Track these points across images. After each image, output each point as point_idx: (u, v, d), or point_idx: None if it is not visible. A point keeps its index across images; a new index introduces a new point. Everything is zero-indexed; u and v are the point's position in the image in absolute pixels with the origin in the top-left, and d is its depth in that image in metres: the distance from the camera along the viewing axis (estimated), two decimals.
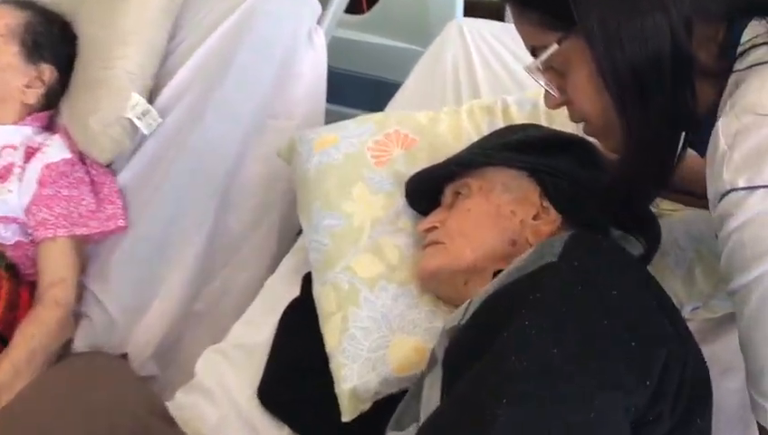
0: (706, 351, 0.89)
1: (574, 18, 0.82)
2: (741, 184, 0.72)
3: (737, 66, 0.79)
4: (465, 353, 0.84)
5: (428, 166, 1.22)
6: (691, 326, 1.05)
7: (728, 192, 0.73)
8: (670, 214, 1.17)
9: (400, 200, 1.26)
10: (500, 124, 1.35)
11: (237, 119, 1.48)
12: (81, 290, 1.41)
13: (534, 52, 0.92)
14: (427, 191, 1.22)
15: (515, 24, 0.92)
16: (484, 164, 1.14)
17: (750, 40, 0.79)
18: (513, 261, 0.91)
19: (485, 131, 1.33)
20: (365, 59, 2.13)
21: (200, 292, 1.48)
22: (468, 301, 0.92)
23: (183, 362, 1.42)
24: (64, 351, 1.37)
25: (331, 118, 1.64)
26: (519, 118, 1.35)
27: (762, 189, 0.71)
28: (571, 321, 0.77)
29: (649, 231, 1.04)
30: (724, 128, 0.76)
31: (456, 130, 1.35)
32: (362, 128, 1.33)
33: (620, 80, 0.82)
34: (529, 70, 0.92)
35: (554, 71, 0.91)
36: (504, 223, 1.10)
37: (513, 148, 1.15)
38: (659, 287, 0.89)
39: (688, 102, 0.83)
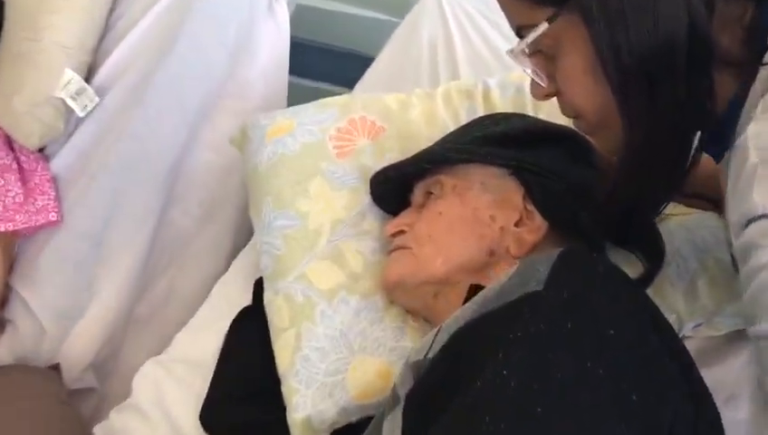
0: (708, 375, 0.76)
1: None
2: None
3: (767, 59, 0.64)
4: (429, 400, 0.70)
5: (396, 161, 1.07)
6: (691, 345, 0.94)
7: (759, 217, 0.60)
8: (668, 217, 1.04)
9: (365, 198, 1.11)
10: (480, 111, 1.21)
11: (184, 100, 1.33)
12: (5, 293, 1.25)
13: (520, 32, 0.77)
14: (394, 189, 1.08)
15: (498, 1, 0.77)
16: (459, 160, 1.00)
17: None
18: (491, 284, 0.77)
19: (464, 119, 1.19)
20: (335, 30, 1.98)
21: (143, 295, 1.34)
22: (437, 328, 0.78)
23: (124, 373, 1.27)
24: None
25: (296, 92, 1.54)
26: (502, 104, 1.21)
27: None
28: (558, 369, 0.63)
29: (651, 248, 0.90)
30: (755, 136, 0.62)
31: (430, 116, 1.20)
32: (324, 113, 1.19)
33: (623, 67, 0.69)
34: (513, 54, 0.77)
35: (543, 55, 0.77)
36: (482, 229, 0.96)
37: (494, 141, 1.00)
38: (667, 325, 0.75)
39: (705, 96, 0.69)
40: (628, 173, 0.77)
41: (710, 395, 0.73)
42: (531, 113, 1.16)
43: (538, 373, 0.62)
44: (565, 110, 0.82)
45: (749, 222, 0.61)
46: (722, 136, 0.73)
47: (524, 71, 0.81)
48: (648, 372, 0.65)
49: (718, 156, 0.78)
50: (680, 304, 1.00)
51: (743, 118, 0.68)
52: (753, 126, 0.63)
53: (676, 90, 0.69)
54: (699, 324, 1.01)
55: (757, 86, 0.67)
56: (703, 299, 1.00)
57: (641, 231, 0.87)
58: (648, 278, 0.91)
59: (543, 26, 0.73)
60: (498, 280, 0.75)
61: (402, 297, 1.02)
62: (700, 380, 0.73)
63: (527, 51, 0.77)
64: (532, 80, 0.80)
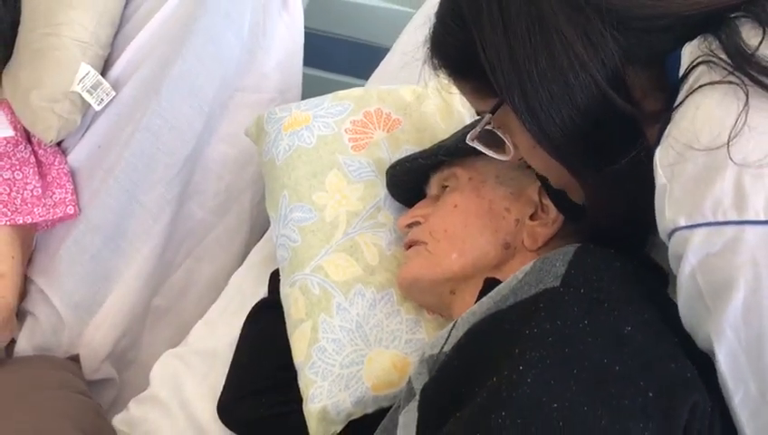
0: None
1: None
2: (682, 222, 0.62)
3: (680, 98, 0.67)
4: (444, 396, 0.71)
5: (411, 154, 1.07)
6: None
7: (673, 231, 0.63)
8: None
9: (381, 191, 1.11)
10: None
11: (199, 93, 1.32)
12: (25, 285, 1.27)
13: (479, 115, 0.84)
14: (410, 181, 1.07)
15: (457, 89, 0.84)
16: (475, 153, 0.99)
17: (688, 66, 0.67)
18: (507, 279, 0.77)
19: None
20: (349, 20, 1.95)
21: (160, 286, 1.35)
22: (452, 323, 0.78)
23: (143, 364, 1.30)
24: (7, 353, 1.24)
25: (310, 84, 1.53)
26: None
27: (703, 228, 0.61)
28: (575, 365, 0.63)
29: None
30: (661, 158, 0.65)
31: (447, 109, 1.19)
32: (340, 106, 1.18)
33: (560, 149, 0.72)
34: (470, 139, 0.85)
35: (505, 129, 0.81)
36: (497, 222, 0.95)
37: None
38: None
39: (644, 153, 0.70)
40: (598, 226, 0.81)
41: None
42: None
43: (554, 370, 0.62)
44: (536, 171, 0.85)
45: (669, 236, 0.65)
46: None
47: (485, 151, 0.85)
48: (664, 368, 0.65)
49: None
50: None
51: None
52: (659, 151, 0.66)
53: (616, 156, 0.71)
54: None
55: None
56: None
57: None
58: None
59: (488, 116, 0.80)
60: (514, 276, 0.76)
61: (419, 296, 1.01)
62: (715, 374, 0.72)
63: (489, 129, 0.82)
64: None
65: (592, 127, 0.71)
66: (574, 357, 0.63)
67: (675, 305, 0.77)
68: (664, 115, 0.67)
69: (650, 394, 0.62)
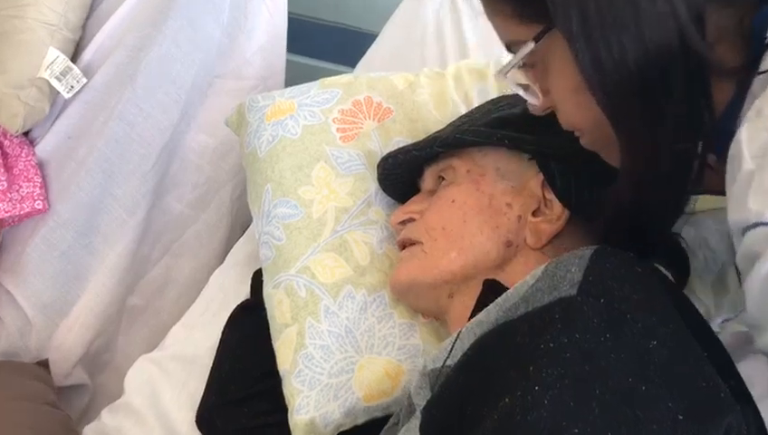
0: None
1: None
2: None
3: (764, 65, 0.60)
4: (449, 417, 0.64)
5: (405, 145, 1.00)
6: None
7: (755, 225, 0.57)
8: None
9: (372, 185, 1.05)
10: (492, 92, 1.13)
11: (176, 79, 1.26)
12: None
13: (510, 48, 0.73)
14: (403, 175, 1.01)
15: (487, 16, 0.74)
16: (474, 144, 0.93)
17: None
18: (515, 284, 0.70)
19: (475, 101, 1.12)
20: (334, 5, 1.90)
21: (136, 285, 1.29)
22: (456, 334, 0.71)
23: (118, 367, 1.24)
24: None
25: (294, 71, 1.48)
26: None
27: None
28: (596, 385, 0.57)
29: (675, 259, 0.83)
30: (749, 140, 0.58)
31: (440, 97, 1.13)
32: (327, 94, 1.11)
33: (609, 86, 0.63)
34: (502, 73, 0.73)
35: (535, 71, 0.73)
36: (498, 219, 0.89)
37: (512, 124, 0.93)
38: (708, 330, 0.68)
39: (703, 109, 0.63)
40: (629, 191, 0.71)
41: (753, 402, 0.68)
42: None
43: (574, 390, 0.56)
44: (564, 125, 0.76)
45: (745, 230, 0.58)
46: (722, 136, 0.67)
47: (514, 90, 0.76)
48: (694, 388, 0.59)
49: (719, 156, 0.72)
50: (709, 298, 0.94)
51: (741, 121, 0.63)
52: (746, 131, 0.58)
53: (671, 107, 0.63)
54: (728, 319, 0.95)
55: (754, 89, 0.61)
56: (732, 292, 0.94)
57: (659, 243, 0.80)
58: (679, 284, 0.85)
59: (530, 45, 0.69)
60: (524, 281, 0.69)
61: (414, 300, 0.95)
62: (745, 388, 0.67)
63: (519, 65, 0.72)
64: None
65: (656, 70, 0.61)
66: (595, 375, 0.57)
67: (697, 311, 0.71)
68: (742, 74, 0.59)
69: (680, 417, 0.56)
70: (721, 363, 0.62)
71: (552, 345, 0.59)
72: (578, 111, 0.70)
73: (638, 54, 0.61)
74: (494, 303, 0.69)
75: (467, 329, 0.69)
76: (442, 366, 0.69)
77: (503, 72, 0.73)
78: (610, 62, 0.62)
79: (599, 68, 0.62)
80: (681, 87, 0.62)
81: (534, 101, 0.75)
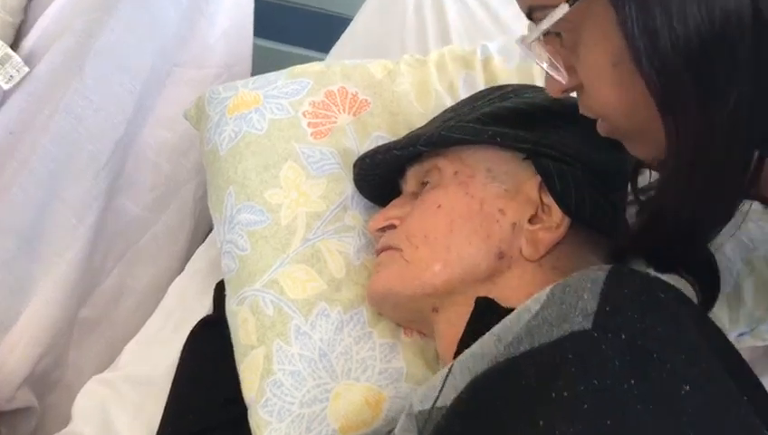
0: None
1: None
2: None
3: None
4: None
5: (385, 143, 0.91)
6: None
7: None
8: None
9: (348, 187, 0.95)
10: (479, 81, 1.05)
11: (130, 69, 1.17)
12: None
13: (532, 14, 0.63)
14: (382, 176, 0.91)
15: None
16: (462, 142, 0.83)
17: None
18: (516, 310, 0.60)
19: (461, 91, 1.03)
20: None
21: (88, 295, 1.18)
22: (447, 368, 0.61)
23: (69, 385, 1.14)
24: None
25: (262, 57, 1.41)
26: (506, 73, 1.06)
27: None
28: None
29: (704, 274, 0.74)
30: None
31: (423, 87, 1.04)
32: (296, 84, 1.02)
33: (663, 60, 0.54)
34: (524, 43, 0.63)
35: (561, 42, 0.63)
36: (489, 226, 0.80)
37: (504, 119, 0.84)
38: (738, 358, 0.59)
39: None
40: (675, 191, 0.61)
41: None
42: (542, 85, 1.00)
43: None
44: (588, 109, 0.66)
45: None
46: None
47: (538, 63, 0.66)
48: (731, 429, 0.51)
49: None
50: (724, 312, 0.87)
51: None
52: None
53: (734, 87, 0.54)
54: (744, 333, 0.89)
55: None
56: (748, 305, 0.88)
57: (691, 258, 0.71)
58: (703, 307, 0.75)
59: (563, 8, 0.59)
60: (525, 307, 0.59)
61: (393, 312, 0.86)
62: None
63: (542, 37, 0.63)
64: (548, 73, 0.65)
65: (722, 42, 0.53)
66: (620, 432, 0.47)
67: (726, 339, 0.63)
68: None
69: None
70: (750, 393, 0.53)
71: (565, 394, 0.49)
72: (613, 91, 0.61)
73: (702, 23, 0.52)
74: (490, 332, 0.60)
75: (460, 363, 0.60)
76: (431, 408, 0.59)
77: (527, 40, 0.64)
78: (667, 30, 0.53)
79: (653, 38, 0.54)
80: (749, 64, 0.53)
81: (559, 78, 0.65)
